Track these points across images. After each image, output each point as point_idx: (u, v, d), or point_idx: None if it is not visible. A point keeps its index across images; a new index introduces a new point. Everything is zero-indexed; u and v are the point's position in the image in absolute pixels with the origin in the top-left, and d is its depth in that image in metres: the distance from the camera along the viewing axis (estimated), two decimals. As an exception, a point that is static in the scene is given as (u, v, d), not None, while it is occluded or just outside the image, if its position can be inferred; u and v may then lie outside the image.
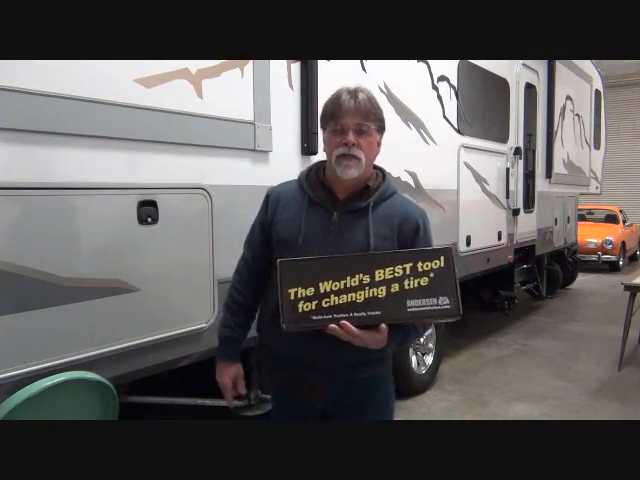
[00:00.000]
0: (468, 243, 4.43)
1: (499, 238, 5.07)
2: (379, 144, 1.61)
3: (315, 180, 1.63)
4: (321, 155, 2.77)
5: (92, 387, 1.73)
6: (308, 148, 2.77)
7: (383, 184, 1.62)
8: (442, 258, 1.44)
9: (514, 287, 5.85)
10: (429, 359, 4.29)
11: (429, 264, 1.43)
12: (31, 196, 1.74)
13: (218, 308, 2.32)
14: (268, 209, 1.66)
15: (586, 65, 7.47)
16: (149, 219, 2.06)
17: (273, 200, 1.66)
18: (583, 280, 9.29)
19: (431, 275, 1.43)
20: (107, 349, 1.94)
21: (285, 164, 2.68)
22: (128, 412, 2.13)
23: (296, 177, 1.69)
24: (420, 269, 1.43)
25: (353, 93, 1.53)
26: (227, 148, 2.38)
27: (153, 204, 2.08)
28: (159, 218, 2.10)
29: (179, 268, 2.19)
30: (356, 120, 1.51)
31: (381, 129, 1.60)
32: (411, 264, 1.43)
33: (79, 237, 1.86)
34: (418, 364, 4.18)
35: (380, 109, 1.58)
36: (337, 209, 1.57)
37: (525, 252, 5.97)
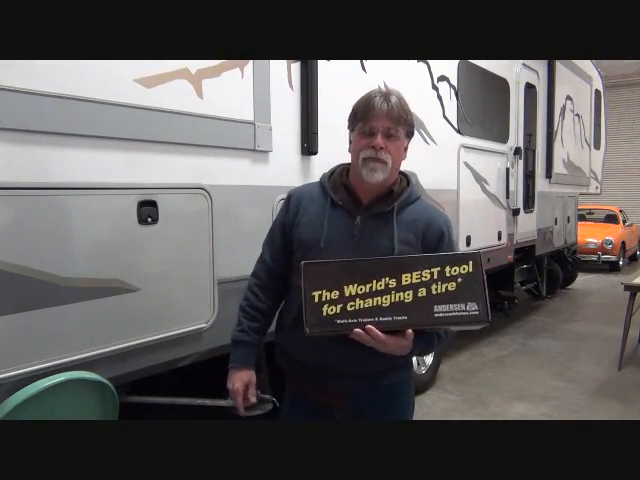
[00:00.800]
0: (468, 243, 4.43)
1: (499, 238, 5.07)
2: (406, 149, 1.59)
3: (338, 182, 1.60)
4: (321, 155, 2.79)
5: (92, 387, 1.73)
6: (308, 148, 2.77)
7: (407, 189, 1.59)
8: (470, 263, 1.41)
9: (514, 287, 5.85)
10: (429, 359, 4.29)
11: (457, 269, 1.40)
12: (31, 196, 1.74)
13: (218, 308, 2.33)
14: (289, 211, 1.62)
15: (586, 65, 7.48)
16: (149, 219, 2.06)
17: (294, 202, 1.62)
18: (583, 280, 9.29)
19: (459, 280, 1.40)
20: (107, 349, 1.94)
21: (285, 164, 2.68)
22: (128, 412, 2.13)
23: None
24: (448, 274, 1.40)
25: (386, 96, 1.50)
26: (227, 148, 2.38)
27: (153, 204, 2.08)
28: (159, 218, 2.10)
29: (179, 268, 2.19)
30: (386, 124, 1.49)
31: (410, 134, 1.57)
32: (439, 268, 1.40)
33: (79, 237, 1.86)
34: (418, 364, 4.18)
35: (411, 114, 1.55)
36: (360, 213, 1.54)
37: (525, 252, 5.97)
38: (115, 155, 1.96)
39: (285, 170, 2.67)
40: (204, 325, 2.29)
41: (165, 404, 2.40)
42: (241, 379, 1.59)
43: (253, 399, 1.60)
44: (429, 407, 3.96)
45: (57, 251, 1.80)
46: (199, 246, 2.27)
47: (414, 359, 4.06)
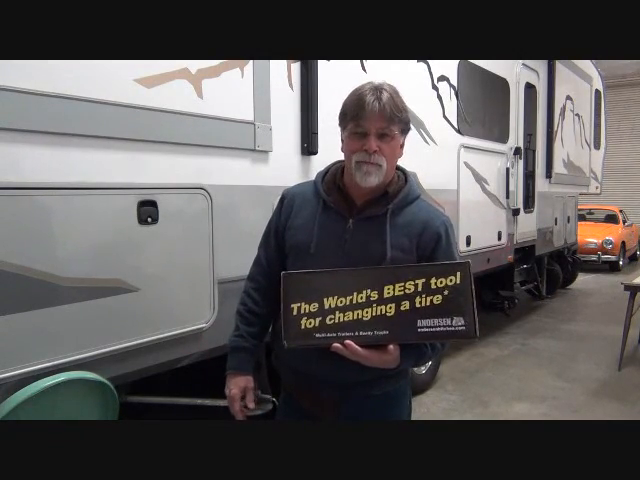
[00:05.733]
0: (468, 243, 4.43)
1: (499, 238, 5.07)
2: (402, 146, 1.50)
3: (332, 183, 1.53)
4: (321, 155, 2.79)
5: (92, 387, 1.73)
6: (308, 148, 2.77)
7: (404, 188, 1.51)
8: (458, 274, 1.32)
9: (514, 287, 5.85)
10: (429, 359, 4.28)
11: (443, 280, 1.32)
12: (31, 196, 1.74)
13: (218, 308, 2.33)
14: (282, 212, 1.57)
15: (586, 65, 7.48)
16: (149, 219, 2.06)
17: (287, 203, 1.57)
18: (583, 280, 9.29)
19: (445, 292, 1.31)
20: (107, 349, 1.94)
21: (285, 164, 2.68)
22: (128, 412, 2.13)
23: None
24: (433, 286, 1.32)
25: (377, 93, 1.41)
26: (227, 148, 2.38)
27: (153, 204, 2.08)
28: (159, 218, 2.10)
29: (179, 268, 2.19)
30: (379, 124, 1.40)
31: (405, 131, 1.48)
32: (423, 280, 1.32)
33: (79, 237, 1.86)
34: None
35: (405, 109, 1.46)
36: (353, 216, 1.47)
37: (525, 252, 5.98)
38: (115, 155, 1.96)
39: (285, 170, 2.67)
40: (204, 325, 2.29)
41: (165, 404, 2.40)
42: (237, 385, 1.54)
43: (251, 405, 1.55)
44: (429, 407, 3.95)
45: (57, 251, 1.80)
46: (199, 246, 2.27)
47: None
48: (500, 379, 4.55)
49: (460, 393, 4.23)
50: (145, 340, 2.06)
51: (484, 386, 4.38)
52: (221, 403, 2.27)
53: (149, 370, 2.13)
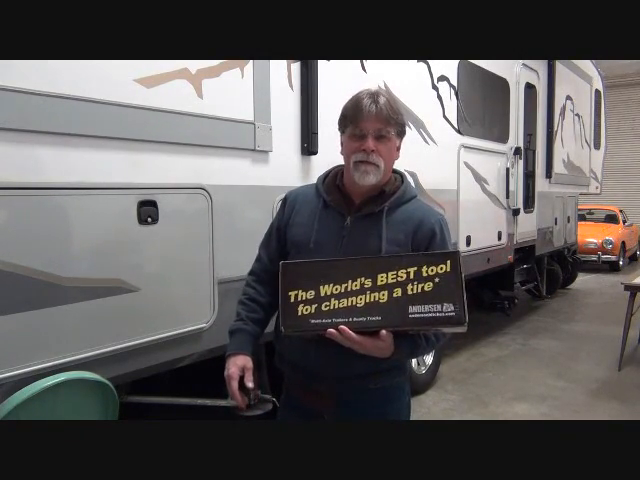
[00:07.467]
0: (468, 243, 4.43)
1: (499, 238, 5.07)
2: (398, 148, 1.58)
3: (332, 184, 1.60)
4: (321, 155, 2.79)
5: (92, 387, 1.72)
6: (308, 148, 2.77)
7: (400, 188, 1.58)
8: (448, 262, 1.37)
9: (514, 287, 5.85)
10: (429, 359, 4.29)
11: (434, 268, 1.37)
12: (31, 196, 1.74)
13: (218, 308, 2.33)
14: (285, 212, 1.64)
15: (586, 65, 7.48)
16: (149, 219, 2.06)
17: (290, 203, 1.64)
18: (583, 280, 9.29)
19: (436, 280, 1.36)
20: (107, 349, 1.94)
21: (285, 164, 2.68)
22: (128, 412, 2.13)
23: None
24: (424, 274, 1.36)
25: (374, 97, 1.49)
26: (227, 148, 2.38)
27: (153, 204, 2.08)
28: (159, 218, 2.10)
29: (179, 268, 2.19)
30: (376, 125, 1.48)
31: (401, 133, 1.56)
32: (415, 268, 1.37)
33: (79, 237, 1.86)
34: (418, 364, 4.18)
35: (401, 113, 1.55)
36: (351, 213, 1.54)
37: (525, 252, 5.98)
38: (115, 155, 1.96)
39: (285, 170, 2.68)
40: (204, 325, 2.29)
41: (165, 404, 2.40)
42: (235, 363, 1.53)
43: (250, 384, 1.51)
44: (429, 407, 3.96)
45: (57, 251, 1.80)
46: (199, 246, 2.27)
47: (414, 360, 4.07)
48: (500, 379, 4.55)
49: (460, 393, 4.23)
50: (145, 340, 2.06)
51: (484, 386, 4.38)
52: (221, 403, 2.28)
53: (149, 370, 2.13)
